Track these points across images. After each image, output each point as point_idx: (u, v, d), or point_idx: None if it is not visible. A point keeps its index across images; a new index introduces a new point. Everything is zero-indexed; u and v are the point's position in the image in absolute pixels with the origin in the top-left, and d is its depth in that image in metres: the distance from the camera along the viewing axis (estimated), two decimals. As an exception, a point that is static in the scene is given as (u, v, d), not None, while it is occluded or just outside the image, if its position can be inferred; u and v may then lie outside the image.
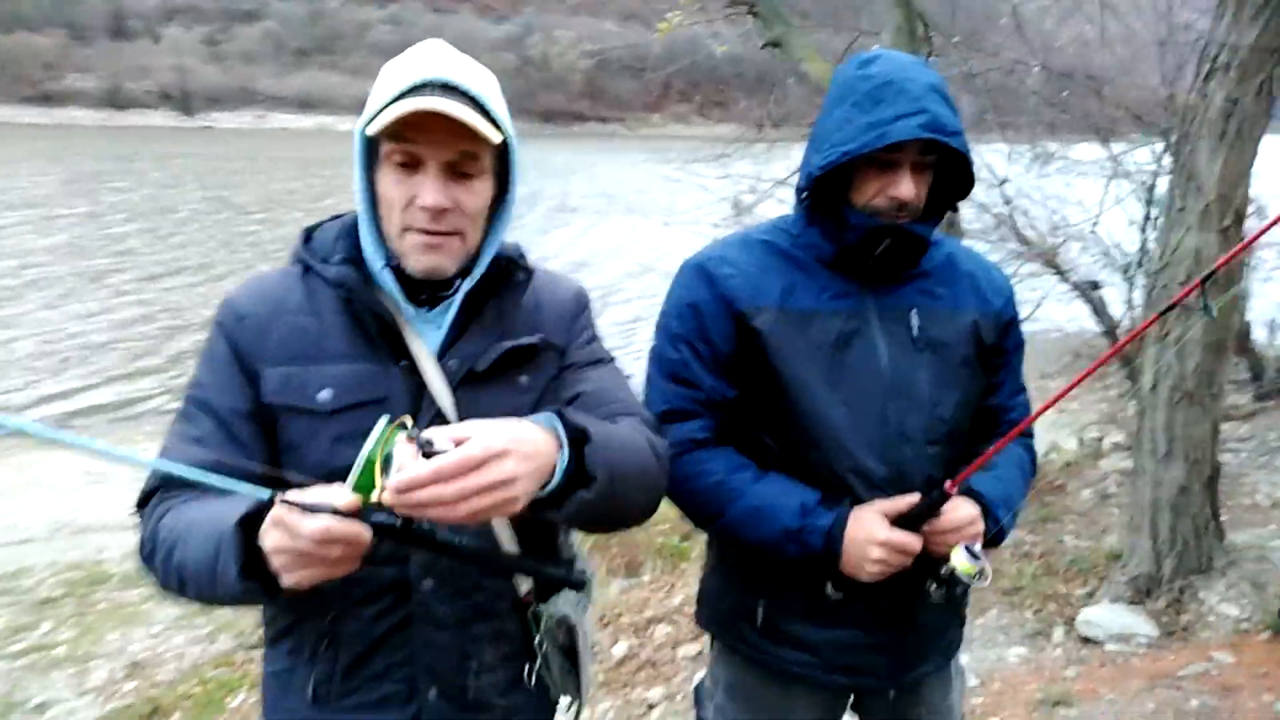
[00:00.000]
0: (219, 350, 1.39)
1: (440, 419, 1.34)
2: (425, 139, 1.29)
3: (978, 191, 7.66)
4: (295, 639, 1.44)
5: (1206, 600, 3.70)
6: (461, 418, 1.34)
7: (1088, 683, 3.45)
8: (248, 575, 1.13)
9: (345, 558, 1.10)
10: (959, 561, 1.54)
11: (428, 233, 1.33)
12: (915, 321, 1.69)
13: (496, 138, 1.30)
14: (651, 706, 3.90)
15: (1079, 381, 1.60)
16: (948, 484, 1.57)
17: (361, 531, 1.08)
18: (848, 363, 1.65)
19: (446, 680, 1.41)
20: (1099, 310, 7.46)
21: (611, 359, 1.55)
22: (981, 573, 1.54)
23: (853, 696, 1.90)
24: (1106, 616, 3.78)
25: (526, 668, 1.46)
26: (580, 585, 1.39)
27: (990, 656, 3.80)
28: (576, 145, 58.48)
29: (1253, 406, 6.53)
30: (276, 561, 1.11)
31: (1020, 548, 4.67)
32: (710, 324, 1.69)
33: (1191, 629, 3.63)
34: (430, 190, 1.30)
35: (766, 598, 1.74)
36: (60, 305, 16.34)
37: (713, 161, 7.75)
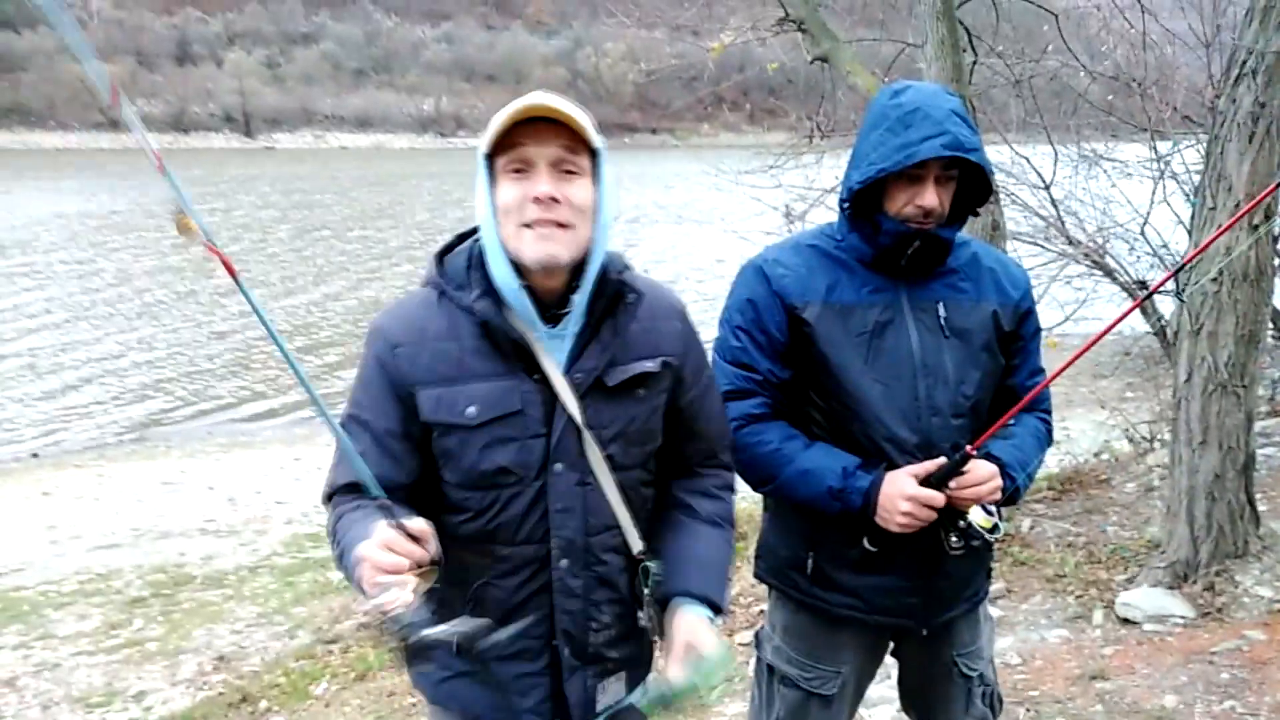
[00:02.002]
0: (374, 376, 1.64)
1: (571, 424, 1.61)
2: (532, 140, 1.53)
3: (1025, 195, 7.74)
4: (442, 597, 1.69)
5: (1241, 583, 3.86)
6: (587, 423, 1.62)
7: (1124, 659, 3.63)
8: None
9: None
10: (976, 517, 1.81)
11: (542, 224, 1.54)
12: (942, 312, 1.97)
13: (593, 141, 1.55)
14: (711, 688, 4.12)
15: (1073, 361, 1.87)
16: (968, 447, 1.84)
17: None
18: (883, 348, 1.94)
19: (575, 639, 1.70)
20: (1147, 310, 7.54)
21: (710, 369, 1.85)
22: (995, 527, 1.81)
23: (891, 644, 2.18)
24: (1144, 599, 3.95)
25: (639, 614, 1.74)
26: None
27: (1033, 638, 3.99)
28: (629, 156, 58.85)
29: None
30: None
31: (1064, 538, 4.83)
32: (766, 316, 1.98)
33: (1226, 610, 3.78)
34: (541, 182, 1.53)
35: (815, 550, 2.03)
36: (190, 326, 17.08)
37: (764, 173, 7.97)
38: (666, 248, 22.83)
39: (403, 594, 1.33)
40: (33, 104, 71.47)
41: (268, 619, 5.88)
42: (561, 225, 1.55)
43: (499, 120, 1.53)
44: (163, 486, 9.34)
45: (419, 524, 1.41)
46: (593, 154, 1.59)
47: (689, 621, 1.67)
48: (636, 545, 1.72)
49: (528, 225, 1.55)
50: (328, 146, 78.89)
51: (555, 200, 1.53)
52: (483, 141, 1.56)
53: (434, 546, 1.42)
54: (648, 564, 1.73)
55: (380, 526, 1.39)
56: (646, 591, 1.73)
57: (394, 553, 1.37)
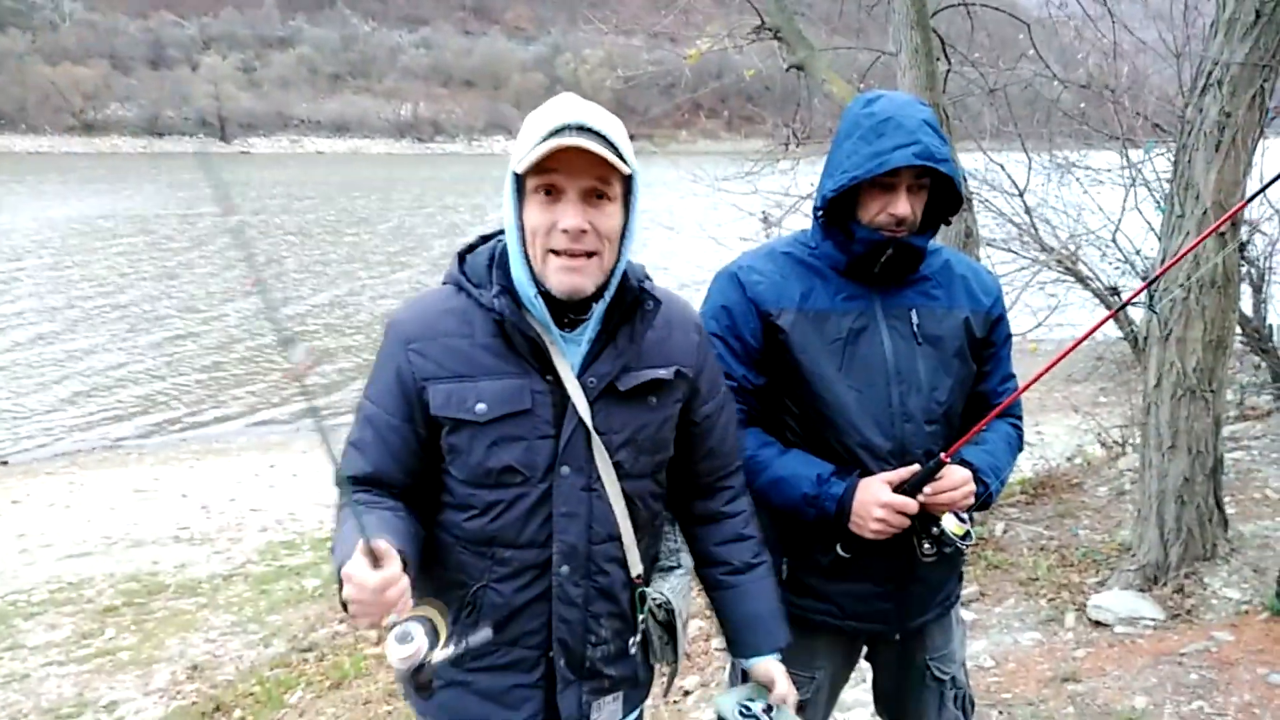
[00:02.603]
0: (385, 371, 1.64)
1: (580, 427, 1.61)
2: (565, 171, 1.50)
3: (998, 202, 7.84)
4: (440, 600, 1.66)
5: (1210, 585, 3.92)
6: (596, 427, 1.62)
7: (1095, 661, 3.68)
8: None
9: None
10: (949, 523, 1.83)
11: (568, 254, 1.53)
12: (915, 319, 1.99)
13: (625, 169, 1.53)
14: (687, 693, 4.12)
15: (1046, 370, 1.89)
16: (942, 454, 1.86)
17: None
18: (857, 354, 1.95)
19: (571, 651, 1.68)
20: (1120, 317, 7.64)
21: (725, 383, 1.85)
22: (968, 534, 1.83)
23: (865, 648, 2.20)
24: (1116, 601, 4.00)
25: (631, 640, 1.73)
26: None
27: (1006, 641, 4.02)
28: (606, 162, 58.96)
29: (1270, 406, 6.67)
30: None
31: (1037, 541, 4.88)
32: (741, 323, 1.99)
33: (1195, 612, 3.84)
34: (570, 214, 1.52)
35: (790, 557, 2.04)
36: (170, 335, 16.82)
37: (741, 179, 8.00)
38: (643, 254, 22.91)
39: (419, 643, 1.38)
40: (3, 107, 70.63)
41: (242, 627, 5.83)
42: (588, 255, 1.55)
43: (535, 146, 1.49)
44: (135, 494, 9.24)
45: (380, 545, 1.38)
46: (626, 175, 1.56)
47: (774, 674, 1.80)
48: (636, 568, 1.71)
49: (554, 252, 1.54)
50: (304, 151, 78.47)
51: (583, 231, 1.53)
52: (514, 159, 1.54)
53: (397, 563, 1.41)
54: (645, 590, 1.73)
55: (356, 560, 1.37)
56: (641, 617, 1.73)
57: (375, 589, 1.36)
